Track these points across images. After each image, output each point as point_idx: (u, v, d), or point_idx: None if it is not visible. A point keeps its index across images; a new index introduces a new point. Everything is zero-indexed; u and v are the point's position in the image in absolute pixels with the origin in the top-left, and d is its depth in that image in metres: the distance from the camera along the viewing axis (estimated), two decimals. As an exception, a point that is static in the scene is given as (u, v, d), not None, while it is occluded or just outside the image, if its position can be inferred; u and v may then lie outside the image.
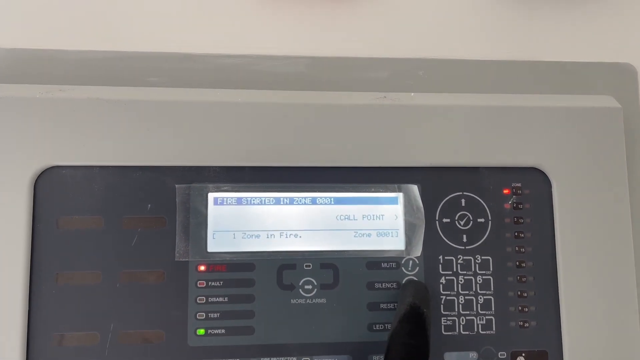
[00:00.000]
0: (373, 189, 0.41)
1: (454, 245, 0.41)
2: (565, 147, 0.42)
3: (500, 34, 0.46)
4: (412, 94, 0.42)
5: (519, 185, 0.42)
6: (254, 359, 0.39)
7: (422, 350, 0.35)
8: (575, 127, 0.42)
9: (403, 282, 0.40)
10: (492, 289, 0.41)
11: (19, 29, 0.42)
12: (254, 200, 0.40)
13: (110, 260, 0.38)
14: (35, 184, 0.38)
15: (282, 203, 0.41)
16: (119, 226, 0.39)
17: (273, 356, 0.39)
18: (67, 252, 0.38)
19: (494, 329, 0.40)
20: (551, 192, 0.42)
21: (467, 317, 0.40)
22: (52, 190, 0.39)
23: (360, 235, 0.41)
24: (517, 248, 0.41)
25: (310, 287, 0.40)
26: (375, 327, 0.40)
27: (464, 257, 0.41)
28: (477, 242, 0.41)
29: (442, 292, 0.41)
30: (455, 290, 0.41)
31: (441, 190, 0.42)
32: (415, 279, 0.40)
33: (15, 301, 0.37)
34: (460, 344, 0.40)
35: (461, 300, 0.41)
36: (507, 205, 0.42)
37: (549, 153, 0.42)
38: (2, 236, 0.37)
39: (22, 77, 0.41)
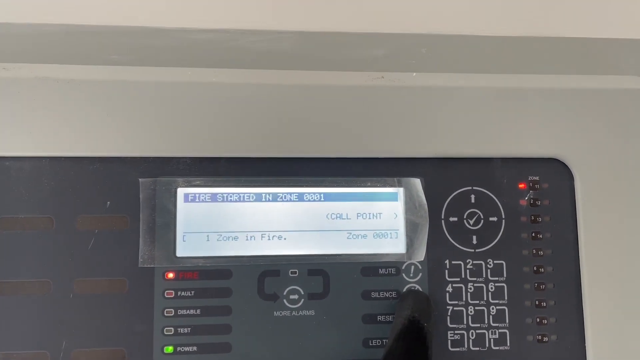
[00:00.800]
0: (369, 184, 0.36)
1: (463, 248, 0.36)
2: (588, 135, 0.38)
3: (515, 7, 0.40)
4: (414, 74, 0.37)
5: (536, 178, 0.37)
6: (230, 380, 0.34)
7: None
8: (600, 112, 0.38)
9: (402, 292, 0.35)
10: (505, 298, 0.36)
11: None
12: (231, 196, 0.35)
13: (63, 267, 0.33)
14: (-27, 178, 0.33)
15: (263, 200, 0.36)
16: (73, 227, 0.34)
17: (253, 377, 0.34)
18: (10, 257, 0.33)
19: (508, 344, 0.36)
20: (573, 186, 0.37)
21: (478, 331, 0.36)
22: (-6, 186, 0.33)
23: (354, 237, 0.36)
24: (534, 251, 0.37)
25: (296, 297, 0.35)
26: (372, 342, 0.35)
27: (474, 262, 0.36)
28: (489, 244, 0.36)
29: (448, 302, 0.36)
30: (464, 299, 0.36)
31: (447, 184, 0.37)
32: (417, 287, 0.35)
33: (-50, 315, 0.32)
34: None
35: (471, 311, 0.36)
36: (523, 202, 0.37)
37: (571, 142, 0.37)
38: None
39: (-40, 53, 0.36)
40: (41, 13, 0.36)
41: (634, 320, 0.36)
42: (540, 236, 0.37)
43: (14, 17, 0.36)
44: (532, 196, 0.37)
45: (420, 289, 0.36)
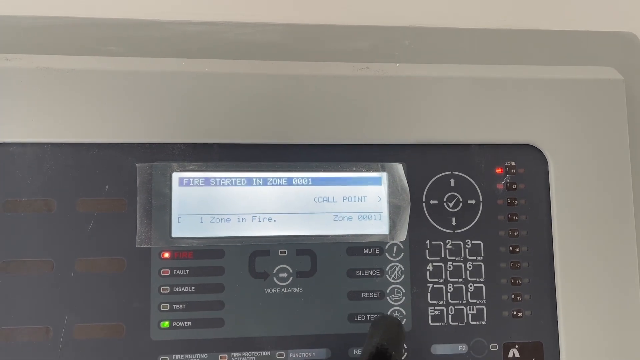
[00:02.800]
0: (354, 169, 0.38)
1: (442, 229, 0.38)
2: (563, 122, 0.39)
3: (492, 1, 0.42)
4: (397, 64, 0.39)
5: (512, 163, 0.39)
6: (223, 353, 0.35)
7: None
8: (574, 100, 0.39)
9: (373, 320, 0.36)
10: (483, 276, 0.38)
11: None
12: (223, 180, 0.37)
13: (64, 247, 0.35)
14: (-21, 163, 0.35)
15: (254, 184, 0.37)
16: (74, 209, 0.35)
17: (245, 350, 0.36)
18: (15, 238, 0.35)
19: (485, 319, 0.37)
20: (547, 170, 0.39)
21: (457, 307, 0.37)
22: (-1, 170, 0.35)
23: (340, 218, 0.38)
24: (510, 232, 0.38)
25: (285, 275, 0.37)
26: (357, 317, 0.37)
27: (453, 242, 0.38)
28: (467, 225, 0.38)
29: (429, 279, 0.37)
30: (444, 277, 0.38)
31: (428, 169, 0.38)
32: (399, 266, 0.37)
33: (-42, 292, 0.33)
34: (449, 335, 0.37)
35: (450, 289, 0.38)
36: (500, 186, 0.39)
37: (546, 129, 0.39)
38: (-58, 221, 0.34)
39: (-36, 44, 0.37)
40: (42, 6, 0.38)
41: (602, 296, 0.37)
42: (516, 218, 0.39)
43: (16, 10, 0.38)
44: (508, 180, 0.39)
45: (393, 316, 0.37)
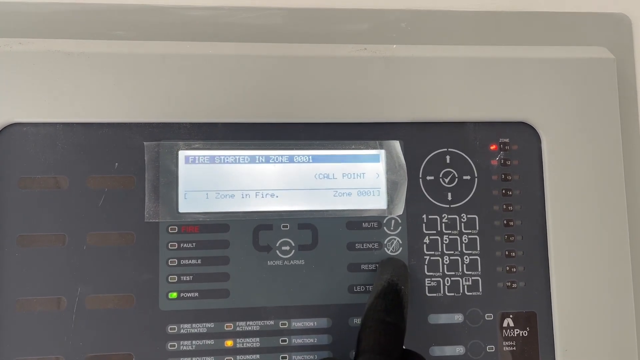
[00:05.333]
0: (353, 146, 0.39)
1: (438, 204, 0.39)
2: (555, 101, 0.40)
3: (487, -17, 0.43)
4: (395, 46, 0.40)
5: (506, 140, 0.40)
6: (229, 322, 0.37)
7: (398, 327, 0.33)
8: (567, 79, 0.40)
9: (381, 261, 0.38)
10: (478, 249, 0.39)
11: (-24, -21, 0.39)
12: (227, 158, 0.38)
13: (76, 222, 0.37)
14: (-6, 142, 0.36)
15: (257, 161, 0.39)
16: (85, 186, 0.37)
17: (249, 320, 0.37)
18: (29, 213, 0.36)
19: (480, 290, 0.39)
20: (540, 147, 0.40)
21: (452, 278, 0.39)
22: (13, 149, 0.36)
23: (340, 194, 0.39)
24: (504, 206, 0.40)
25: (287, 248, 0.38)
26: (356, 288, 0.38)
27: (449, 216, 0.39)
28: (463, 200, 0.40)
29: (425, 252, 0.39)
30: (440, 250, 0.39)
31: (425, 146, 0.40)
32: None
33: (-24, 265, 0.35)
34: (445, 305, 0.39)
35: (446, 261, 0.39)
36: (494, 162, 0.40)
37: (539, 107, 0.40)
38: (-40, 197, 0.35)
39: (-21, 29, 0.39)
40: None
41: (594, 267, 0.39)
42: (510, 193, 0.40)
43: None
44: (502, 157, 0.40)
45: (399, 258, 0.38)
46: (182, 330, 0.37)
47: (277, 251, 0.38)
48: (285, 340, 0.37)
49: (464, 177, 0.40)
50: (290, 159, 0.39)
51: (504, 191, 0.40)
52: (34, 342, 0.35)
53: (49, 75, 0.37)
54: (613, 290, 0.39)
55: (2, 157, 0.36)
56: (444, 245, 0.39)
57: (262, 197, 0.38)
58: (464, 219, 0.39)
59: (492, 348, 0.38)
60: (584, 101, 0.40)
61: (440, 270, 0.39)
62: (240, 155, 0.38)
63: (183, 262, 0.37)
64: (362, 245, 0.39)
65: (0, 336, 0.35)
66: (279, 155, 0.39)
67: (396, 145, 0.39)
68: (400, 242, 0.39)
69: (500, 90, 0.40)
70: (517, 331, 0.39)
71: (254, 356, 0.37)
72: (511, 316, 0.39)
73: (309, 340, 0.37)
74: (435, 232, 0.39)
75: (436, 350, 0.38)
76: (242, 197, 0.38)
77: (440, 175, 0.40)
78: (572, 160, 0.40)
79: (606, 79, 0.41)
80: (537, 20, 0.43)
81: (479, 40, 0.42)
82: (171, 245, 0.37)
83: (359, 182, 0.39)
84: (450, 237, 0.39)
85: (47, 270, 0.36)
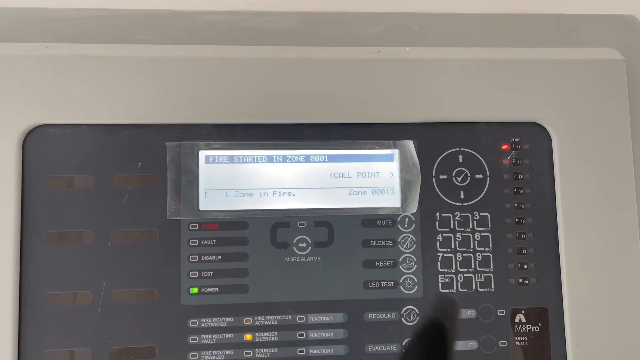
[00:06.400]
0: (368, 146, 0.40)
1: (451, 202, 0.40)
2: (566, 101, 0.41)
3: (498, -14, 0.44)
4: (408, 48, 0.41)
5: (518, 140, 0.41)
6: (248, 317, 0.38)
7: None
8: (577, 80, 0.41)
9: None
10: (490, 246, 0.40)
11: (5, -13, 0.41)
12: (246, 158, 0.40)
13: (101, 219, 0.38)
14: (24, 142, 0.38)
15: (275, 161, 0.40)
16: (110, 185, 0.38)
17: (267, 315, 0.38)
18: (57, 211, 0.38)
19: (492, 287, 0.40)
20: (551, 147, 0.41)
21: (465, 275, 0.40)
22: (41, 149, 0.38)
23: (355, 193, 0.40)
24: (516, 204, 0.41)
25: (304, 245, 0.39)
26: (371, 284, 0.39)
27: (462, 214, 0.40)
28: (475, 198, 0.41)
29: (439, 249, 0.40)
30: (453, 247, 0.40)
31: (438, 146, 0.41)
32: (411, 237, 0.39)
33: (6, 260, 0.36)
34: (458, 301, 0.39)
35: (459, 258, 0.40)
36: (506, 161, 0.41)
37: (549, 107, 0.41)
38: (-9, 195, 0.37)
39: (8, 35, 0.40)
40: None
41: (604, 264, 0.40)
42: (522, 191, 0.41)
43: (55, 3, 0.41)
44: (514, 156, 0.41)
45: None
46: (202, 324, 0.38)
47: (294, 248, 0.39)
48: (302, 334, 0.38)
49: (476, 176, 0.41)
50: (307, 159, 0.40)
51: (515, 190, 0.41)
52: (61, 335, 0.37)
53: (75, 79, 0.38)
54: (623, 285, 0.39)
55: (31, 157, 0.38)
56: (457, 242, 0.40)
57: (280, 195, 0.40)
58: (476, 216, 0.40)
59: (504, 343, 0.39)
60: (594, 101, 0.41)
61: (454, 267, 0.40)
62: (258, 155, 0.40)
63: (204, 258, 0.38)
64: (377, 243, 0.40)
65: (29, 329, 0.37)
66: (295, 155, 0.40)
67: (410, 145, 0.40)
68: (414, 239, 0.40)
69: (511, 91, 0.41)
70: (528, 326, 0.40)
71: (272, 349, 0.38)
72: (523, 312, 0.40)
73: (326, 334, 0.38)
74: (448, 229, 0.40)
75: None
76: (260, 196, 0.39)
77: (453, 174, 0.41)
78: (582, 159, 0.41)
79: (616, 79, 0.41)
80: (547, 22, 0.44)
81: (490, 42, 0.43)
82: (192, 242, 0.38)
83: (373, 181, 0.40)
84: (462, 234, 0.40)
85: (74, 266, 0.38)
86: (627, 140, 0.41)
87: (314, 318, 0.39)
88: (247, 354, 0.38)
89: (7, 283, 0.36)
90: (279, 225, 0.39)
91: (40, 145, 0.38)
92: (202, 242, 0.39)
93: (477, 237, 0.40)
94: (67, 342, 0.37)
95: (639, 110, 0.43)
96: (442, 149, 0.41)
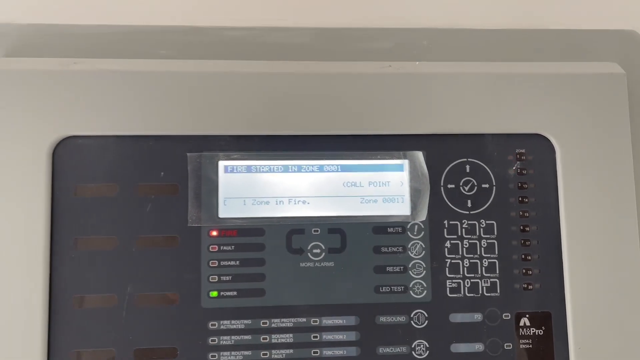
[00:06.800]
0: (379, 156, 0.42)
1: (459, 210, 0.42)
2: (569, 114, 0.43)
3: (503, 3, 0.46)
4: (417, 62, 0.43)
5: (523, 151, 0.43)
6: (265, 319, 0.40)
7: None
8: (580, 93, 0.43)
9: None
10: (496, 253, 0.42)
11: (35, 5, 0.43)
12: (263, 167, 0.42)
13: (126, 226, 0.40)
14: (53, 153, 0.40)
15: (290, 171, 0.42)
16: (134, 193, 0.40)
17: (283, 317, 0.40)
18: (84, 218, 0.40)
19: (498, 291, 0.41)
20: (555, 157, 0.43)
21: (472, 280, 0.42)
22: (70, 159, 0.40)
23: (366, 201, 0.42)
24: (521, 213, 0.42)
25: (318, 251, 0.41)
26: (382, 289, 0.41)
27: (469, 222, 0.42)
28: (482, 207, 0.42)
29: (447, 255, 0.42)
30: (460, 253, 0.42)
31: (446, 156, 0.42)
32: (420, 243, 0.41)
33: (37, 265, 0.38)
34: (465, 305, 0.41)
35: (466, 264, 0.42)
36: (512, 171, 0.43)
37: (553, 119, 0.43)
38: (23, 203, 0.39)
39: (38, 50, 0.42)
40: (103, 16, 0.43)
41: (606, 270, 0.41)
42: (526, 200, 0.42)
43: (81, 19, 0.43)
44: (519, 166, 0.43)
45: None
46: (222, 326, 0.40)
47: (309, 254, 0.41)
48: (316, 336, 0.40)
49: (483, 186, 0.42)
50: (321, 169, 0.42)
51: (520, 199, 0.42)
52: (88, 336, 0.39)
53: (101, 92, 0.40)
54: (624, 291, 0.41)
55: (60, 167, 0.40)
56: (464, 249, 0.42)
57: (295, 203, 0.41)
58: (482, 224, 0.42)
59: (509, 346, 0.41)
60: (596, 114, 0.43)
61: (461, 273, 0.42)
62: (274, 165, 0.42)
63: (223, 263, 0.40)
64: (388, 249, 0.41)
65: (58, 330, 0.39)
66: (310, 165, 0.42)
67: (419, 155, 0.42)
68: (423, 246, 0.42)
69: (516, 104, 0.43)
70: (533, 330, 0.41)
71: (287, 350, 0.40)
72: (527, 316, 0.41)
73: (338, 336, 0.40)
74: (456, 236, 0.42)
75: (457, 347, 0.41)
76: (277, 204, 0.41)
77: (461, 184, 0.42)
78: (585, 169, 0.42)
79: (617, 93, 0.43)
80: (551, 37, 0.46)
81: (496, 56, 0.45)
82: (212, 248, 0.40)
83: (384, 189, 0.42)
84: (470, 241, 0.42)
85: (100, 270, 0.39)
86: (627, 151, 0.43)
87: (328, 321, 0.40)
88: (264, 354, 0.40)
89: (38, 286, 0.38)
90: (294, 232, 0.41)
91: (68, 156, 0.40)
92: (222, 247, 0.40)
93: (484, 244, 0.42)
94: (94, 342, 0.39)
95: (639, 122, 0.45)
96: (450, 159, 0.42)
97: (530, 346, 0.41)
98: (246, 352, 0.40)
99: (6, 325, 0.38)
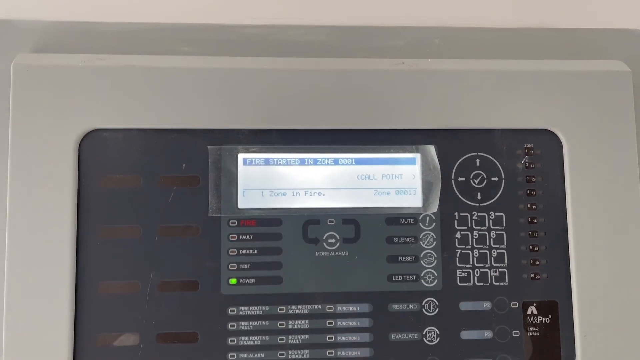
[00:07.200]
0: (392, 150, 0.44)
1: (469, 203, 0.44)
2: (576, 110, 0.44)
3: (512, 3, 0.47)
4: (429, 60, 0.44)
5: (531, 146, 0.44)
6: (282, 306, 0.42)
7: None
8: (586, 90, 0.44)
9: None
10: (505, 244, 0.43)
11: (62, 3, 0.45)
12: (280, 160, 0.43)
13: (149, 216, 0.42)
14: (79, 145, 0.41)
15: (306, 163, 0.43)
16: (157, 184, 0.42)
17: (300, 304, 0.42)
18: (109, 208, 0.41)
19: (506, 281, 0.43)
20: (562, 152, 0.44)
21: (482, 270, 0.43)
22: (95, 151, 0.42)
23: (380, 193, 0.43)
24: (529, 205, 0.44)
25: (333, 240, 0.43)
26: (394, 277, 0.42)
27: (479, 214, 0.43)
28: (491, 199, 0.44)
29: (457, 246, 0.43)
30: (470, 244, 0.43)
31: (457, 150, 0.44)
32: (432, 234, 0.43)
33: (64, 253, 0.40)
34: (475, 294, 0.43)
35: (476, 254, 0.43)
36: (520, 165, 0.44)
37: (561, 115, 0.44)
38: (51, 193, 0.41)
39: (65, 47, 0.44)
40: (128, 14, 0.45)
41: (612, 261, 0.43)
42: (534, 193, 0.44)
43: (107, 17, 0.44)
44: (527, 160, 0.44)
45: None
46: (240, 312, 0.41)
47: (324, 243, 0.42)
48: (331, 323, 0.42)
49: (492, 179, 0.44)
50: (336, 162, 0.43)
51: (528, 191, 0.44)
52: (112, 320, 0.41)
53: (125, 87, 0.42)
54: (628, 280, 0.43)
55: (86, 159, 0.42)
56: (474, 240, 0.43)
57: (311, 195, 0.43)
58: (492, 216, 0.44)
59: (517, 333, 0.43)
60: (602, 110, 0.44)
61: (471, 263, 0.43)
62: (291, 158, 0.43)
63: (242, 252, 0.42)
64: (400, 239, 0.43)
65: (84, 314, 0.40)
66: (325, 158, 0.43)
67: (431, 149, 0.44)
68: (435, 236, 0.43)
69: (525, 100, 0.44)
70: (540, 318, 0.43)
71: (303, 336, 0.41)
72: (535, 304, 0.43)
73: (352, 323, 0.42)
74: (466, 228, 0.43)
75: (466, 334, 0.42)
76: (293, 195, 0.43)
77: (471, 177, 0.44)
78: (591, 164, 0.44)
79: (623, 90, 0.44)
80: (559, 36, 0.47)
81: (505, 54, 0.47)
82: (231, 237, 0.42)
83: (397, 182, 0.44)
84: (479, 232, 0.43)
85: (124, 258, 0.41)
86: (632, 146, 0.44)
87: (342, 308, 0.42)
88: (280, 339, 0.41)
89: (65, 273, 0.40)
90: (310, 222, 0.43)
91: (94, 148, 0.42)
92: (241, 237, 0.42)
93: (493, 235, 0.43)
94: (118, 326, 0.41)
95: (644, 118, 0.46)
96: (461, 153, 0.44)
97: (538, 334, 0.43)
98: (264, 337, 0.41)
99: (35, 310, 0.39)
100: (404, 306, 0.42)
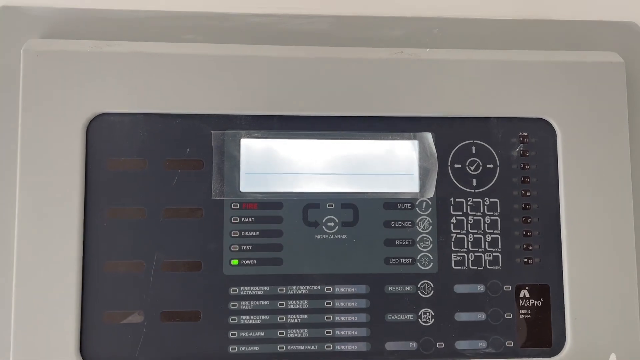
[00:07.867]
0: (391, 137, 0.45)
1: (465, 189, 0.45)
2: (570, 100, 0.45)
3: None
4: (428, 49, 0.46)
5: (526, 134, 0.45)
6: (282, 286, 0.43)
7: None
8: (581, 80, 0.46)
9: None
10: (499, 229, 0.45)
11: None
12: (281, 146, 0.44)
13: (154, 198, 0.43)
14: (87, 129, 0.43)
15: (307, 149, 0.44)
16: (162, 167, 0.43)
17: (299, 285, 0.43)
18: (115, 190, 0.43)
19: (500, 265, 0.44)
20: (556, 141, 0.45)
21: (476, 254, 0.44)
22: (102, 135, 0.43)
23: (378, 179, 0.45)
24: (523, 192, 0.45)
25: (332, 224, 0.44)
26: (391, 260, 0.44)
27: (474, 200, 0.45)
28: (486, 185, 0.45)
29: (452, 230, 0.44)
30: (465, 229, 0.44)
31: (453, 138, 0.45)
32: (428, 219, 0.44)
33: (71, 233, 0.41)
34: (469, 277, 0.44)
35: (470, 239, 0.44)
36: (515, 153, 0.45)
37: (555, 105, 0.45)
38: (59, 176, 0.42)
39: (73, 33, 0.45)
40: (133, 2, 0.46)
41: (602, 246, 0.44)
42: (528, 180, 0.45)
43: (113, 4, 0.45)
44: (522, 148, 0.45)
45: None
46: (242, 292, 0.43)
47: (323, 226, 0.44)
48: (329, 303, 0.43)
49: (488, 166, 0.45)
50: (336, 147, 0.45)
51: (522, 178, 0.45)
52: (118, 298, 0.42)
53: (132, 73, 0.43)
54: (618, 266, 0.44)
55: (93, 142, 0.43)
56: (469, 225, 0.44)
57: (311, 180, 0.44)
58: (486, 202, 0.45)
59: (509, 315, 0.44)
60: (596, 100, 0.45)
61: (465, 247, 0.44)
62: (292, 144, 0.44)
63: (243, 234, 0.43)
64: (397, 224, 0.44)
65: (91, 292, 0.42)
66: (326, 144, 0.44)
67: (428, 136, 0.45)
68: (431, 221, 0.44)
69: (520, 90, 0.45)
70: (532, 301, 0.44)
71: (302, 316, 0.43)
72: (527, 288, 0.44)
73: (350, 303, 0.43)
74: (461, 213, 0.45)
75: (461, 316, 0.44)
76: (294, 180, 0.44)
77: (467, 164, 0.45)
78: (584, 152, 0.45)
79: (616, 80, 0.46)
80: (554, 27, 0.48)
81: (502, 45, 0.48)
82: (234, 220, 0.43)
83: (395, 168, 0.45)
84: (474, 218, 0.45)
85: (130, 238, 0.42)
86: (624, 135, 0.45)
87: (340, 289, 0.43)
88: (280, 319, 0.43)
89: (72, 253, 0.41)
90: (310, 206, 0.44)
91: (101, 132, 0.43)
92: (243, 219, 0.43)
93: (487, 221, 0.45)
94: (123, 304, 0.42)
95: (637, 108, 0.47)
96: (457, 140, 0.45)
97: (529, 316, 0.44)
98: (264, 317, 0.43)
99: (43, 287, 0.41)
100: (400, 288, 0.44)
